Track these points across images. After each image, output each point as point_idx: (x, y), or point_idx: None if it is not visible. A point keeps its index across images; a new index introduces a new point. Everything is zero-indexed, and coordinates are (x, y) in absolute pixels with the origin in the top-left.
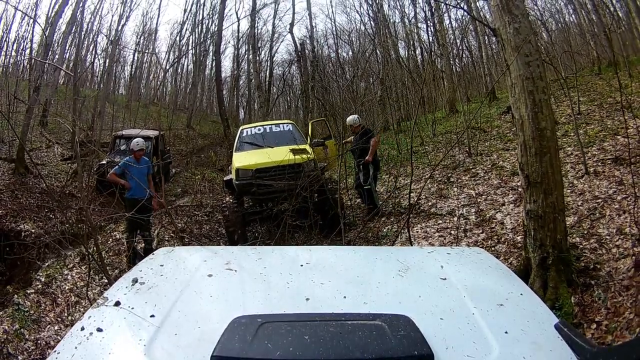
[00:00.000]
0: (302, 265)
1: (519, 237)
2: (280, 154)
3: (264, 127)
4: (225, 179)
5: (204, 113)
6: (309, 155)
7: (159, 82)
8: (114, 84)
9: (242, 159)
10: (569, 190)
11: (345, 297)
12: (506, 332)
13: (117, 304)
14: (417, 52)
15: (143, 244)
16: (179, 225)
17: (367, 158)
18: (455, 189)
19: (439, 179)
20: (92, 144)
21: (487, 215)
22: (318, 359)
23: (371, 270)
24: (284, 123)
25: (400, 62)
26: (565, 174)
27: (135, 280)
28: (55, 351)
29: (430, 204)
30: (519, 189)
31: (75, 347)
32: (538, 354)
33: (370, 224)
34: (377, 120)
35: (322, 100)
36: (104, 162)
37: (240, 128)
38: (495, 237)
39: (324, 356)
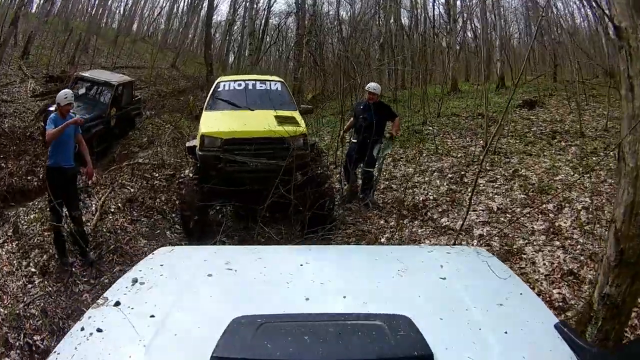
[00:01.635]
0: (301, 265)
1: (555, 291)
2: (262, 121)
3: (247, 82)
4: (187, 144)
5: (192, 54)
6: (298, 128)
7: (152, 19)
8: (107, 17)
9: (212, 122)
10: (606, 232)
11: (344, 297)
12: (506, 332)
13: (117, 304)
14: (419, 23)
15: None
16: (131, 191)
17: (395, 131)
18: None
19: (449, 176)
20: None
21: (514, 246)
22: (318, 359)
23: (371, 270)
24: (273, 80)
25: (403, 29)
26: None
27: (135, 280)
28: (55, 351)
29: (440, 210)
30: (550, 215)
31: (75, 348)
32: (538, 354)
33: (364, 226)
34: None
35: (315, 55)
36: (52, 107)
37: (218, 80)
38: (527, 283)
39: (323, 356)
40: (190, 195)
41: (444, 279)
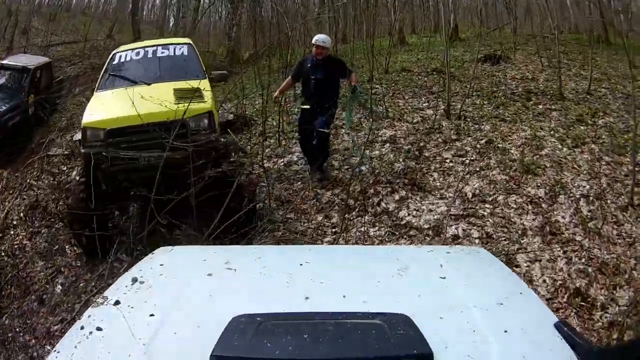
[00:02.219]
0: (301, 265)
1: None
2: (157, 99)
3: (147, 49)
4: (75, 138)
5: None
6: (201, 104)
7: None
8: None
9: (96, 109)
10: (614, 232)
11: (344, 296)
12: (506, 332)
13: (117, 303)
14: None
15: None
16: (32, 193)
17: (354, 81)
18: (435, 174)
19: (406, 147)
20: None
21: (502, 253)
22: (317, 358)
23: (370, 269)
24: (178, 43)
25: None
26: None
27: (134, 280)
28: (55, 350)
29: (397, 198)
30: (543, 205)
31: (75, 347)
32: (538, 353)
33: (298, 224)
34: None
35: (252, 12)
36: None
37: (114, 51)
38: None
39: (323, 355)
40: (78, 205)
41: (444, 278)
